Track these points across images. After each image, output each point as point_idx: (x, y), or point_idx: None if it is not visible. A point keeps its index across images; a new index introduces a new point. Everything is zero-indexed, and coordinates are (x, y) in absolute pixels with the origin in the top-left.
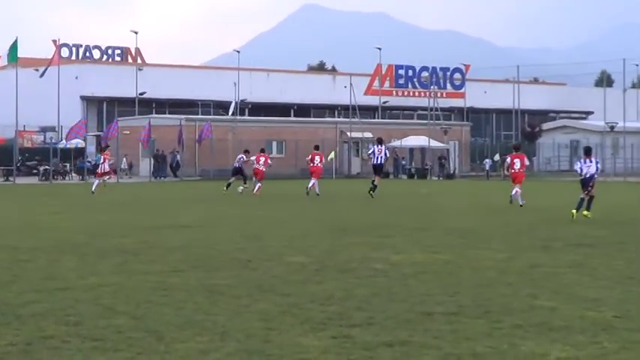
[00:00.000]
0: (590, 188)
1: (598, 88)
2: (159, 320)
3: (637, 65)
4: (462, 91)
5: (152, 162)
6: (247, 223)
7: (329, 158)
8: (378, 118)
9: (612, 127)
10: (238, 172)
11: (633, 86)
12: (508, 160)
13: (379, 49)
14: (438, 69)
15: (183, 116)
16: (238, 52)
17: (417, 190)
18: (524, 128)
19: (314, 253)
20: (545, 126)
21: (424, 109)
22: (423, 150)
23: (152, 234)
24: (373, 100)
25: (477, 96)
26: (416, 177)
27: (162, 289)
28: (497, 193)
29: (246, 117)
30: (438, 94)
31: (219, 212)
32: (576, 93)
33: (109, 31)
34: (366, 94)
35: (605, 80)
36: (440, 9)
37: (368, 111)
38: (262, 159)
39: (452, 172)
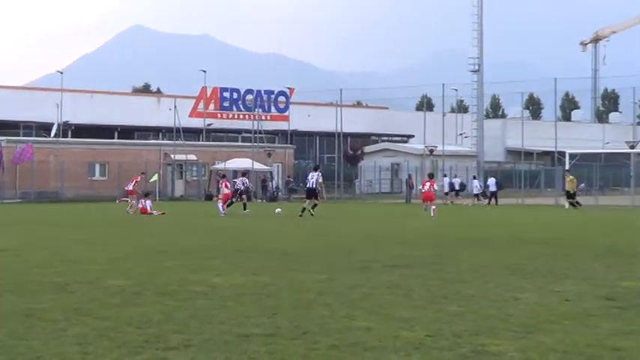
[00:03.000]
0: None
1: (419, 112)
2: None
3: (456, 90)
4: (286, 114)
5: None
6: (67, 246)
7: (151, 180)
8: (202, 141)
9: (432, 151)
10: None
11: (452, 110)
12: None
13: (204, 71)
14: (263, 92)
15: (3, 137)
16: (61, 72)
17: (239, 212)
18: (346, 151)
19: (133, 276)
20: (367, 149)
21: (248, 131)
22: (246, 172)
23: None
24: (198, 123)
25: (301, 119)
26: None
27: None
28: (318, 215)
29: (69, 139)
30: (263, 117)
31: (38, 236)
32: (398, 117)
33: None
34: (190, 116)
35: (425, 104)
36: (264, 32)
37: (192, 133)
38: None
39: (275, 194)
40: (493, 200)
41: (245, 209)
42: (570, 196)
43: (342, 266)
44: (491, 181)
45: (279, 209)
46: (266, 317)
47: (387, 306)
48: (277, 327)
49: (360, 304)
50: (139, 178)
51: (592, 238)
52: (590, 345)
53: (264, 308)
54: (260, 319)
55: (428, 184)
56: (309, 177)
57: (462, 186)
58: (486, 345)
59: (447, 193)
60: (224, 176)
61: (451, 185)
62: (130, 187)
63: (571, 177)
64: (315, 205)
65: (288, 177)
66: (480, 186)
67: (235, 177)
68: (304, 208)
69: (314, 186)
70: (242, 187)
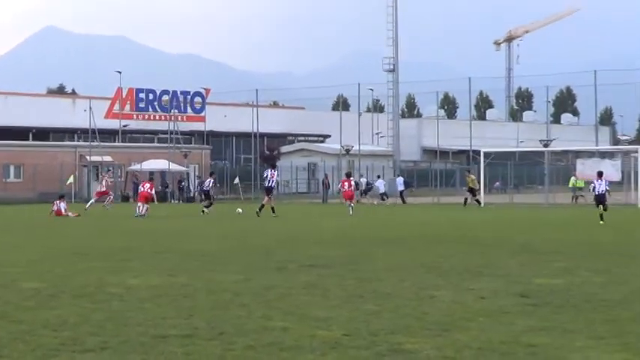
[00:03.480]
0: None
1: (335, 112)
2: None
3: (372, 90)
4: (202, 114)
5: None
6: None
7: (67, 182)
8: (118, 142)
9: (348, 150)
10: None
11: (368, 110)
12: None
13: (119, 72)
14: (179, 93)
15: None
16: None
17: (156, 214)
18: (263, 151)
19: (49, 278)
20: (284, 149)
21: (165, 132)
22: (163, 173)
23: None
24: (113, 124)
25: (218, 119)
26: (155, 201)
27: None
28: (236, 216)
29: None
30: (179, 118)
31: None
32: (314, 116)
33: None
34: (106, 117)
35: (341, 104)
36: (180, 33)
37: (108, 135)
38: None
39: (192, 195)
40: (402, 201)
41: (206, 209)
42: (473, 193)
43: (259, 267)
44: (399, 180)
45: (239, 209)
46: (183, 318)
47: (303, 306)
48: (194, 328)
49: (277, 305)
50: (107, 177)
51: (507, 236)
52: (504, 342)
53: (180, 309)
54: (177, 320)
55: (347, 183)
56: (269, 175)
57: (369, 185)
58: (402, 343)
59: None
60: (151, 179)
61: (357, 185)
62: (100, 189)
63: (472, 176)
64: (263, 206)
65: (199, 177)
66: (384, 185)
67: (152, 178)
68: (273, 207)
69: (271, 185)
70: (208, 188)
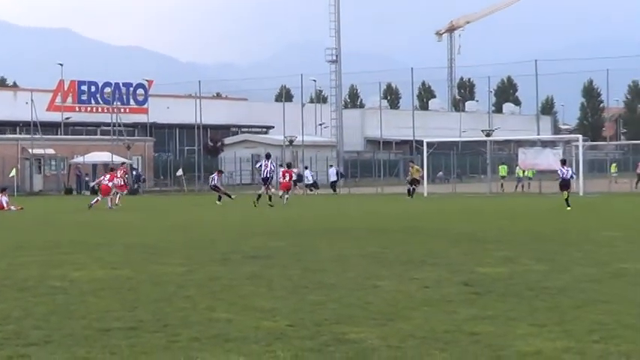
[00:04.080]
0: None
1: (278, 102)
2: None
3: (314, 81)
4: (145, 106)
5: None
6: None
7: (10, 175)
8: (61, 135)
9: (291, 141)
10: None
11: (311, 101)
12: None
13: (61, 64)
14: (121, 85)
15: None
16: None
17: (99, 206)
18: (206, 143)
19: None
20: (227, 140)
21: (107, 124)
22: (106, 166)
23: None
24: (56, 117)
25: (160, 111)
26: (98, 193)
27: None
28: (181, 208)
29: None
30: (121, 110)
31: None
32: (257, 108)
33: None
34: (48, 110)
35: (284, 95)
36: (124, 25)
37: (51, 127)
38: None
39: (136, 187)
40: (333, 190)
41: (219, 202)
42: (415, 184)
43: (203, 258)
44: (332, 170)
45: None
46: (127, 311)
47: (247, 297)
48: (138, 320)
49: (221, 296)
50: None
51: (450, 226)
52: (448, 330)
53: (124, 302)
54: (121, 313)
55: (287, 174)
56: (263, 165)
57: (299, 177)
58: (347, 333)
59: None
60: (112, 169)
61: (300, 177)
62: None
63: (416, 167)
64: (260, 196)
65: (134, 169)
66: (312, 176)
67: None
68: (270, 197)
69: (268, 175)
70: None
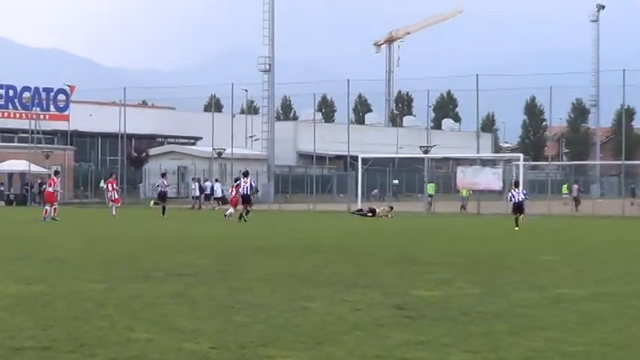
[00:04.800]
0: None
1: (207, 112)
2: None
3: (246, 90)
4: (66, 113)
5: None
6: None
7: None
8: None
9: (220, 154)
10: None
11: (242, 112)
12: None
13: None
14: (41, 89)
15: None
16: None
17: (15, 217)
18: (130, 153)
19: None
20: (153, 151)
21: (25, 131)
22: (23, 175)
23: None
24: None
25: (83, 119)
26: (15, 204)
27: None
28: (102, 221)
29: None
30: (41, 117)
31: None
32: (185, 117)
33: None
34: None
35: (213, 105)
36: (43, 26)
37: None
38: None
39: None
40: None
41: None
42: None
43: (124, 275)
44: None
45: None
46: (41, 329)
47: (170, 316)
48: (53, 339)
49: (142, 315)
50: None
51: (384, 246)
52: (379, 356)
53: (39, 319)
54: (35, 331)
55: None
56: (242, 183)
57: (212, 190)
58: (273, 357)
59: (195, 198)
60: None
61: (202, 189)
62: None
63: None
64: (248, 211)
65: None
66: (222, 190)
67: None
68: (241, 214)
69: (247, 192)
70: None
